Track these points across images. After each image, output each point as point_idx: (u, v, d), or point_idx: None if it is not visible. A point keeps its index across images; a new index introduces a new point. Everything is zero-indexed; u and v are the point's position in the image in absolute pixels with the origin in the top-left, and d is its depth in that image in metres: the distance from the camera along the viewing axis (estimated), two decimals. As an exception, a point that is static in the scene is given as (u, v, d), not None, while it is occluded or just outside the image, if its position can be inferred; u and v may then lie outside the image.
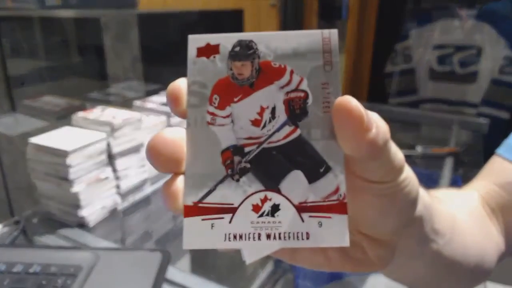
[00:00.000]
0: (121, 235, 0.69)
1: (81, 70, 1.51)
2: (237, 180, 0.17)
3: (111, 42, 1.18)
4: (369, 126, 0.15)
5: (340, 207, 0.16)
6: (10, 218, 0.68)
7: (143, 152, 0.76)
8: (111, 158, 0.70)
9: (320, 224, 0.16)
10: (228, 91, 0.17)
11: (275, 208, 0.17)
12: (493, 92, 1.61)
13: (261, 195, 0.17)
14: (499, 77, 1.59)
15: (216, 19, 1.50)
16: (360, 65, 1.85)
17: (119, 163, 0.70)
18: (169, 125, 0.84)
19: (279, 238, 0.16)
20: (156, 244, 0.68)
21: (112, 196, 0.70)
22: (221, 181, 0.17)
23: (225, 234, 0.16)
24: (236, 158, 0.17)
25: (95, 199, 0.67)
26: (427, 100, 1.77)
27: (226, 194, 0.17)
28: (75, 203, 0.65)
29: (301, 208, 0.17)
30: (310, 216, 0.16)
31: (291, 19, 1.84)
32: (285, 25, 1.83)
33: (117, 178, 0.71)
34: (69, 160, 0.62)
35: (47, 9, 1.37)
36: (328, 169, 0.17)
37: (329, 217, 0.16)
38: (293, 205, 0.17)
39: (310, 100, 0.17)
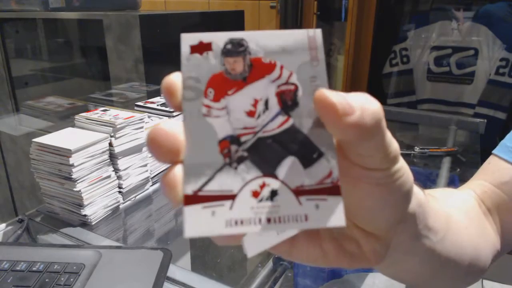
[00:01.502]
0: (123, 234, 0.69)
1: (84, 71, 1.51)
2: (235, 168, 0.17)
3: (113, 43, 1.19)
4: (348, 111, 0.16)
5: (334, 190, 0.17)
6: (14, 216, 0.68)
7: (145, 152, 0.76)
8: (113, 158, 0.70)
9: (317, 206, 0.17)
10: (222, 84, 0.18)
11: (274, 193, 0.17)
12: (489, 93, 1.62)
13: (259, 181, 0.17)
14: (496, 78, 1.60)
15: (217, 21, 1.51)
16: (359, 66, 1.86)
17: (121, 162, 0.71)
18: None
19: (279, 221, 0.17)
20: (158, 242, 0.68)
21: (114, 195, 0.71)
22: (220, 170, 0.17)
23: (226, 221, 0.16)
24: (233, 147, 0.17)
25: (98, 198, 0.68)
26: (425, 101, 1.78)
27: (225, 181, 0.17)
28: (78, 202, 0.65)
29: (298, 192, 0.17)
30: (307, 199, 0.17)
31: (290, 21, 1.84)
32: (284, 27, 1.84)
33: (119, 177, 0.72)
34: (72, 160, 0.63)
35: (50, 11, 1.37)
36: (321, 154, 0.17)
37: (325, 199, 0.17)
38: (290, 189, 0.17)
39: (300, 92, 0.18)
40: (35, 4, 1.38)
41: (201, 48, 0.18)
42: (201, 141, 0.17)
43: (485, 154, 0.41)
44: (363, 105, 0.17)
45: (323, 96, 0.16)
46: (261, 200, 0.17)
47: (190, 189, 0.17)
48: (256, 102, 0.18)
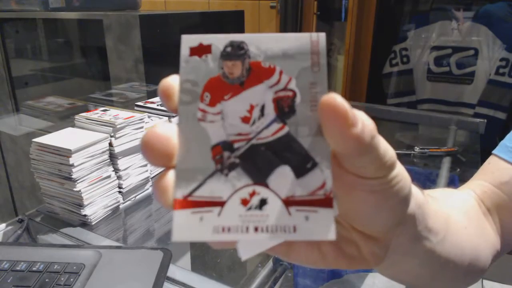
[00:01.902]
0: (123, 234, 0.69)
1: (84, 71, 1.52)
2: (226, 175, 0.17)
3: (113, 43, 1.19)
4: (354, 122, 0.16)
5: (326, 202, 0.17)
6: (14, 216, 0.68)
7: (144, 152, 0.76)
8: (113, 158, 0.70)
9: (307, 218, 0.17)
10: (219, 89, 0.17)
11: (263, 202, 0.17)
12: (489, 93, 1.63)
13: (250, 189, 0.17)
14: (496, 78, 1.60)
15: (217, 21, 1.51)
16: (359, 66, 1.86)
17: (121, 162, 0.71)
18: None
19: (267, 231, 0.17)
20: (158, 242, 0.68)
21: (114, 195, 0.71)
22: (211, 176, 0.17)
23: (214, 227, 0.16)
24: (226, 154, 0.17)
25: (98, 198, 0.68)
26: (425, 101, 1.79)
27: (215, 188, 0.17)
28: (78, 202, 0.65)
29: (288, 202, 0.17)
30: (297, 210, 0.17)
31: (290, 21, 1.84)
32: (284, 27, 1.84)
33: (119, 177, 0.72)
34: (72, 160, 0.63)
35: (50, 11, 1.38)
36: (315, 164, 0.17)
37: (315, 211, 0.17)
38: (280, 199, 0.17)
39: (298, 99, 0.17)
40: (35, 4, 1.38)
41: (201, 50, 0.17)
42: (194, 146, 0.17)
43: (485, 154, 0.41)
44: (363, 119, 0.16)
45: (333, 102, 0.16)
46: (249, 209, 0.17)
47: (180, 194, 0.17)
48: (252, 108, 0.17)
